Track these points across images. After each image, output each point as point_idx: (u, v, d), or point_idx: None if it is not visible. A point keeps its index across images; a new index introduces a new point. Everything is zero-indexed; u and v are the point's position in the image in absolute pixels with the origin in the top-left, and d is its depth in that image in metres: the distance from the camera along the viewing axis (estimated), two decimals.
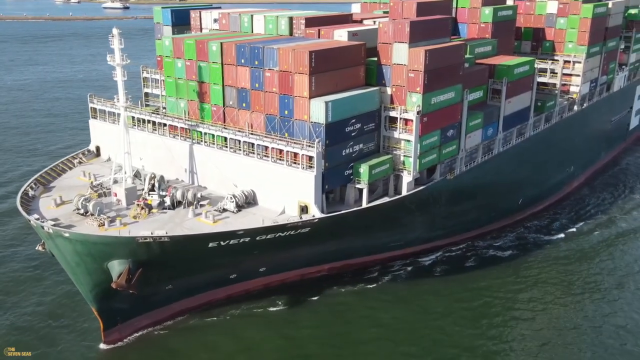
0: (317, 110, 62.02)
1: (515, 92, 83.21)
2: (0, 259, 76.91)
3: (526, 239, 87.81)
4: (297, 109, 63.66)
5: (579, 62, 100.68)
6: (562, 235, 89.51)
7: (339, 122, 63.35)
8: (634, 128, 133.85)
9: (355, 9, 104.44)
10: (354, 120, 64.88)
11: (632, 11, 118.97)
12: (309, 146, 62.20)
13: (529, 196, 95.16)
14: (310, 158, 62.25)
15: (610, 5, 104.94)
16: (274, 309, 68.26)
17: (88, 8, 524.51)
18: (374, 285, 73.53)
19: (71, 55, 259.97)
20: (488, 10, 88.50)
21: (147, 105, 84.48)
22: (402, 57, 66.61)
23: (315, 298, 70.35)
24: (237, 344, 62.86)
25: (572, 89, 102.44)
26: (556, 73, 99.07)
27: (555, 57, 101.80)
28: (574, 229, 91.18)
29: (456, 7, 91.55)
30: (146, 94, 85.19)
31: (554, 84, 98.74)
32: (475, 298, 71.70)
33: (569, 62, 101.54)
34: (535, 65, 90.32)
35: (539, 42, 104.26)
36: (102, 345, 62.16)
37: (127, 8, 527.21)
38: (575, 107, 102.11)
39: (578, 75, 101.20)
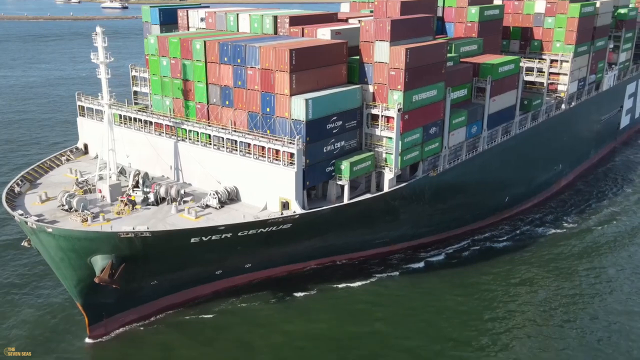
0: (298, 108, 62.83)
1: (500, 91, 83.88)
2: None
3: (521, 234, 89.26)
4: (279, 107, 64.50)
5: (567, 61, 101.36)
6: (555, 230, 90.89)
7: (320, 120, 64.14)
8: (624, 127, 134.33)
9: (345, 8, 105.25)
10: (335, 118, 65.66)
11: (622, 10, 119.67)
12: (290, 143, 63.00)
13: (516, 194, 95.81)
14: (291, 155, 63.02)
15: (598, 5, 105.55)
16: (261, 304, 68.93)
17: (87, 8, 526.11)
18: (365, 281, 74.15)
19: (73, 54, 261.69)
20: (474, 10, 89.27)
21: (136, 104, 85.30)
22: (384, 56, 67.40)
23: (304, 293, 71.11)
24: (224, 339, 63.54)
25: (559, 87, 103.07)
26: (543, 72, 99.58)
27: (543, 56, 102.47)
28: (568, 224, 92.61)
29: (443, 7, 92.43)
30: (135, 92, 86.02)
31: (542, 83, 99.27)
32: (470, 292, 72.69)
33: (556, 61, 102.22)
34: (521, 64, 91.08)
35: (527, 41, 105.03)
36: (88, 340, 62.88)
37: (126, 8, 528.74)
38: (563, 106, 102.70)
39: (565, 74, 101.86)
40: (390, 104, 68.05)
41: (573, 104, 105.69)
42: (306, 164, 63.96)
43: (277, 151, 64.19)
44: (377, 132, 69.25)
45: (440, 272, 77.42)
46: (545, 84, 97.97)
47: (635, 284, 75.77)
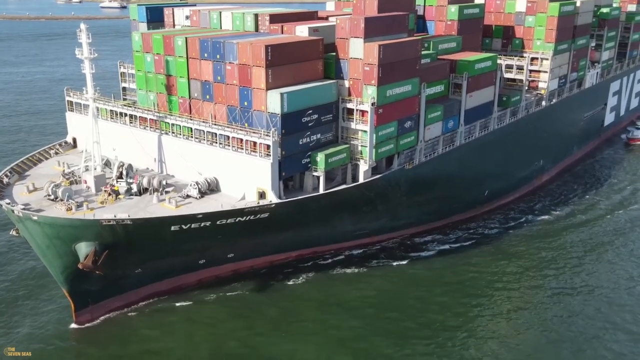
0: (273, 101, 65.45)
1: (477, 87, 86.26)
2: None
3: (507, 225, 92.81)
4: (256, 100, 67.14)
5: (547, 59, 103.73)
6: (543, 217, 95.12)
7: (295, 113, 66.68)
8: (609, 124, 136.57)
9: (330, 7, 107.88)
10: (310, 112, 68.20)
11: (604, 10, 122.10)
12: (266, 135, 65.61)
13: (495, 188, 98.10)
14: (268, 147, 65.57)
15: (578, 4, 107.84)
16: (245, 293, 71.61)
17: (87, 7, 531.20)
18: (347, 270, 77.18)
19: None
20: (454, 9, 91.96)
21: (124, 99, 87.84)
22: (358, 52, 69.94)
23: (288, 283, 74.09)
24: (209, 326, 66.12)
25: (540, 85, 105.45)
26: (523, 69, 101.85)
27: (524, 54, 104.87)
28: (556, 215, 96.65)
29: (424, 5, 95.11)
30: (124, 89, 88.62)
31: (521, 80, 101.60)
32: (458, 280, 75.68)
33: (537, 59, 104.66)
34: (500, 62, 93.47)
35: (509, 39, 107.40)
36: (73, 325, 65.48)
37: (125, 7, 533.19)
38: (544, 103, 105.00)
39: (546, 72, 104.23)
40: (365, 99, 70.55)
41: (554, 101, 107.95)
42: (282, 156, 66.49)
43: (255, 143, 66.74)
44: (353, 125, 71.74)
45: (428, 261, 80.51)
46: (524, 81, 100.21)
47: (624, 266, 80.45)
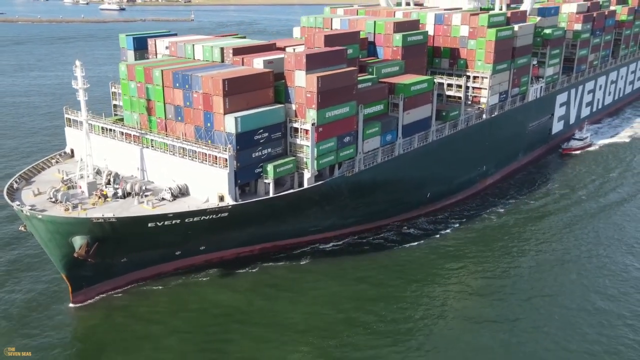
0: (230, 124, 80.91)
1: (414, 105, 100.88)
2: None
3: (437, 224, 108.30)
4: (216, 122, 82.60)
5: (486, 78, 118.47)
6: (478, 217, 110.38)
7: (248, 132, 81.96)
8: (557, 132, 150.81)
9: (296, 32, 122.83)
10: (262, 131, 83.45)
11: (547, 31, 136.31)
12: (224, 151, 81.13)
13: (437, 191, 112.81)
14: (225, 160, 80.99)
15: (516, 29, 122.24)
16: (214, 279, 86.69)
17: (90, 9, 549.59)
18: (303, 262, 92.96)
19: (93, 55, 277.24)
20: (398, 37, 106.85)
21: (115, 115, 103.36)
22: (302, 81, 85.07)
23: (253, 270, 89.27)
24: (182, 304, 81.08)
25: (481, 100, 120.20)
26: (461, 87, 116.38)
27: (468, 73, 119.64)
28: (498, 213, 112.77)
29: (374, 33, 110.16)
30: (115, 106, 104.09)
31: (459, 97, 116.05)
32: (394, 277, 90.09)
33: (477, 77, 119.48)
34: (442, 81, 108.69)
35: (455, 59, 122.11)
36: (71, 304, 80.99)
37: (123, 9, 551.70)
38: (484, 116, 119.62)
39: (485, 89, 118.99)
40: (308, 119, 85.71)
41: (495, 113, 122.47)
42: (237, 167, 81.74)
43: (215, 157, 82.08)
44: (298, 141, 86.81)
45: (378, 253, 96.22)
46: (462, 98, 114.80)
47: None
